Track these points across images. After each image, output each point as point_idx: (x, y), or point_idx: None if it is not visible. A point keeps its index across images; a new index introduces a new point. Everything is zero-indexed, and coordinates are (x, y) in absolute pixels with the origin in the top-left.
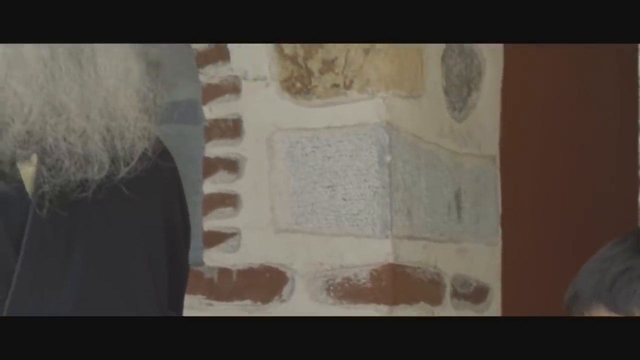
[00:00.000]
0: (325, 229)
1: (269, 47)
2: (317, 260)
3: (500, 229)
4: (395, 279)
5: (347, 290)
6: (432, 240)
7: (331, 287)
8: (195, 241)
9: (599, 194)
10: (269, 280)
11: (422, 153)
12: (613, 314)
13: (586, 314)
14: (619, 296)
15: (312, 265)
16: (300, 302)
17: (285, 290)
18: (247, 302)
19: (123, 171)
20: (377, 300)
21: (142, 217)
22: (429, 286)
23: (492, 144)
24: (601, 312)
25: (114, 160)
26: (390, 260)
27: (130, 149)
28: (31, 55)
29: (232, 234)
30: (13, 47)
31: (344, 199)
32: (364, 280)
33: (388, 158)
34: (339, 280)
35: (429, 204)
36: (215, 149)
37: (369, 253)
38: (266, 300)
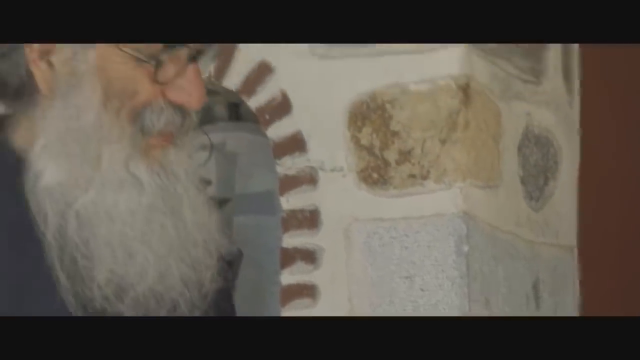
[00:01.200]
0: None
1: (346, 137)
2: None
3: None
4: None
5: None
6: None
7: None
8: None
9: None
10: None
11: (500, 243)
12: None
13: None
14: None
15: None
16: None
17: None
18: None
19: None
20: None
21: None
22: None
23: (569, 233)
24: None
25: (188, 307)
26: None
27: (203, 295)
28: (141, 215)
29: None
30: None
31: (422, 289)
32: None
33: (465, 248)
34: None
35: (507, 294)
36: (293, 240)
37: None
38: None
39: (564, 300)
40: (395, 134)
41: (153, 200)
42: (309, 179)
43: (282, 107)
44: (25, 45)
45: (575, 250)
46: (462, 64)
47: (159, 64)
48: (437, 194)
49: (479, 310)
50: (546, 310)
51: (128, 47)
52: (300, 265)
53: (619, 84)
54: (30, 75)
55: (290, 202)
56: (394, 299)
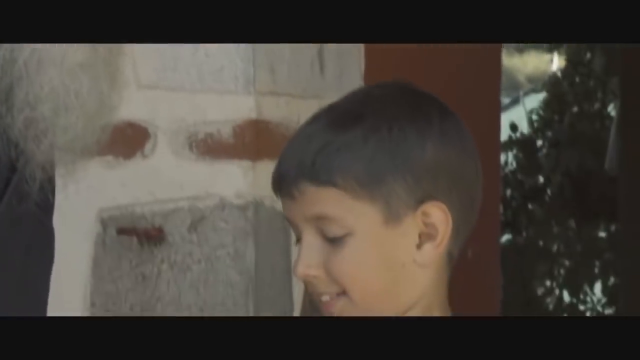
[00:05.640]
0: (188, 85)
1: None
2: (180, 116)
3: (363, 85)
4: (258, 135)
5: (210, 146)
6: (295, 96)
7: (194, 143)
8: None
9: None
10: (130, 136)
11: None
12: (317, 187)
13: (294, 191)
14: (321, 171)
15: (175, 121)
16: (163, 158)
17: (148, 146)
18: (109, 158)
19: None
20: (240, 156)
21: None
22: None
23: None
24: (307, 187)
25: None
26: (253, 116)
27: None
28: (88, 73)
29: None
30: None
31: (206, 55)
32: (226, 136)
33: None
34: (201, 136)
35: (292, 59)
36: None
37: (232, 109)
38: (128, 156)
39: (348, 65)
40: None
41: (99, 65)
42: None
43: None
44: None
45: None
46: None
47: None
48: None
49: (263, 76)
50: (330, 76)
51: None
52: None
53: None
54: None
55: None
56: (177, 65)
